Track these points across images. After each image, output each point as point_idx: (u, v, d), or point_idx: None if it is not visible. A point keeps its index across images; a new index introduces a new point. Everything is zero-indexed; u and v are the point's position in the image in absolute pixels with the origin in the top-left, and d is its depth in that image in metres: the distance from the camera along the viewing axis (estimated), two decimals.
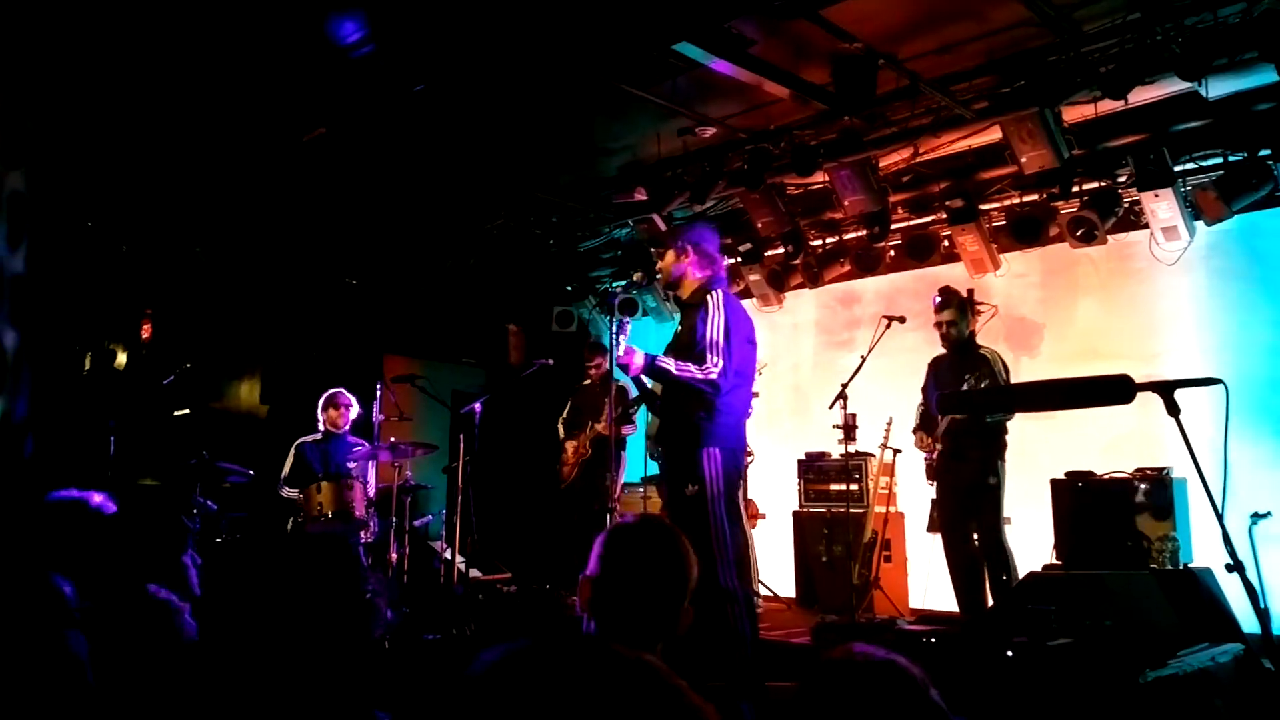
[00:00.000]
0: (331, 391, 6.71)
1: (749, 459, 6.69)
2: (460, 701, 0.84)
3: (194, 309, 7.69)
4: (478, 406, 6.40)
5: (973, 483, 5.45)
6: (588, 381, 7.24)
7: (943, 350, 5.81)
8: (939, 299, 5.75)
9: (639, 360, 4.00)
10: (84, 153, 6.24)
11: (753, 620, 4.02)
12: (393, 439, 6.58)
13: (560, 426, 7.29)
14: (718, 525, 3.93)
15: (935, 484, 5.71)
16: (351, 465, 6.44)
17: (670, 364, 4.00)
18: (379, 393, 6.93)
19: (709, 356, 3.95)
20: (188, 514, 5.56)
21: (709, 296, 4.10)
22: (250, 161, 7.02)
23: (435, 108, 6.22)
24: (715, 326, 4.00)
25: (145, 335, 7.36)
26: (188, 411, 6.84)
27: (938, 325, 5.74)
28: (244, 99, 6.14)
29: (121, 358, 7.20)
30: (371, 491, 6.44)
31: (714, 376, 3.92)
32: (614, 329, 4.13)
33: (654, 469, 7.59)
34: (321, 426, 6.66)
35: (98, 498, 2.87)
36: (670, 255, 4.28)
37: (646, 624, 1.81)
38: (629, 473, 7.52)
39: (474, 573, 7.21)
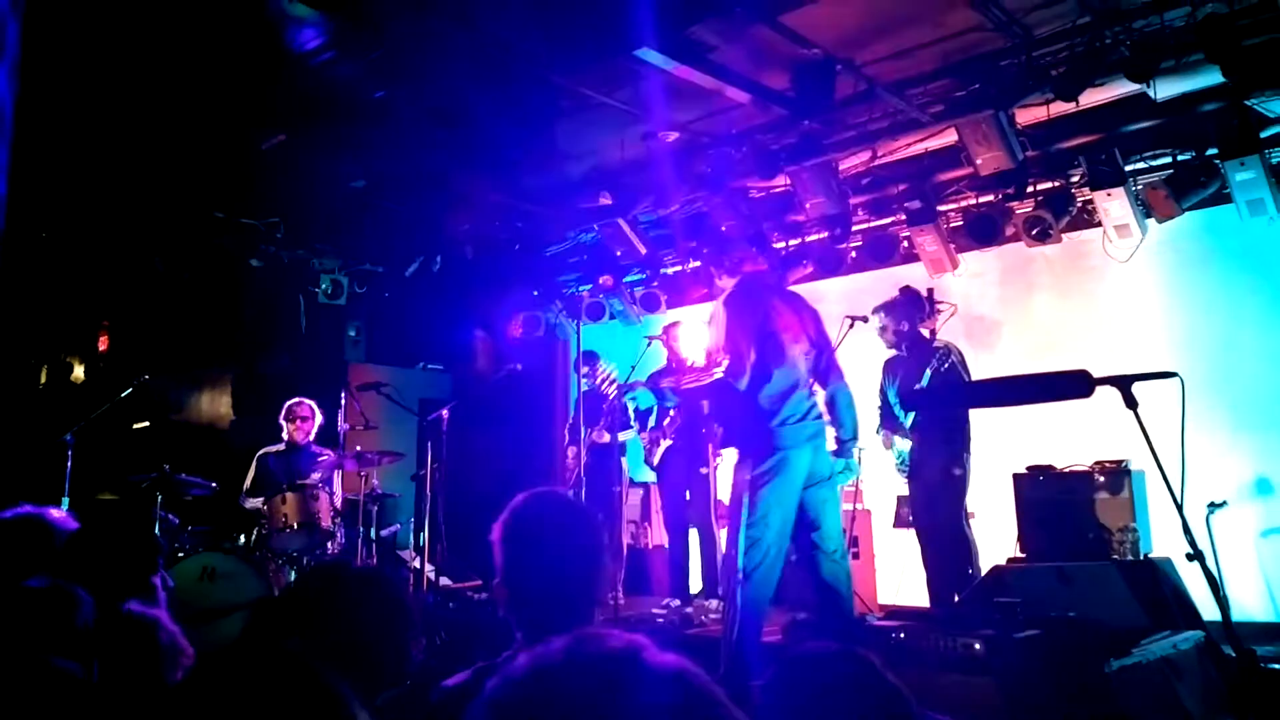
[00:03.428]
0: (290, 402, 6.61)
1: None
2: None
3: (151, 320, 7.57)
4: (445, 413, 6.36)
5: (940, 476, 5.54)
6: (586, 388, 7.25)
7: (895, 351, 5.90)
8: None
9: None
10: (38, 163, 6.11)
11: (745, 624, 3.96)
12: (358, 447, 6.53)
13: (566, 431, 7.30)
14: (732, 528, 4.02)
15: (908, 480, 5.78)
16: (316, 475, 6.37)
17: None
18: (344, 401, 6.86)
19: (712, 358, 4.13)
20: (154, 529, 5.47)
21: (716, 303, 4.26)
22: (207, 171, 6.93)
23: (398, 112, 6.19)
24: (717, 329, 4.16)
25: (102, 347, 7.23)
26: (147, 424, 6.73)
27: (880, 333, 5.83)
28: (200, 107, 6.06)
29: (78, 370, 7.07)
30: (338, 502, 6.38)
31: (718, 375, 4.07)
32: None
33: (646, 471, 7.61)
34: (285, 437, 6.58)
35: (56, 513, 2.78)
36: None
37: (569, 600, 1.74)
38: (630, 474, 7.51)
39: (444, 580, 7.17)
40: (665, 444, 6.55)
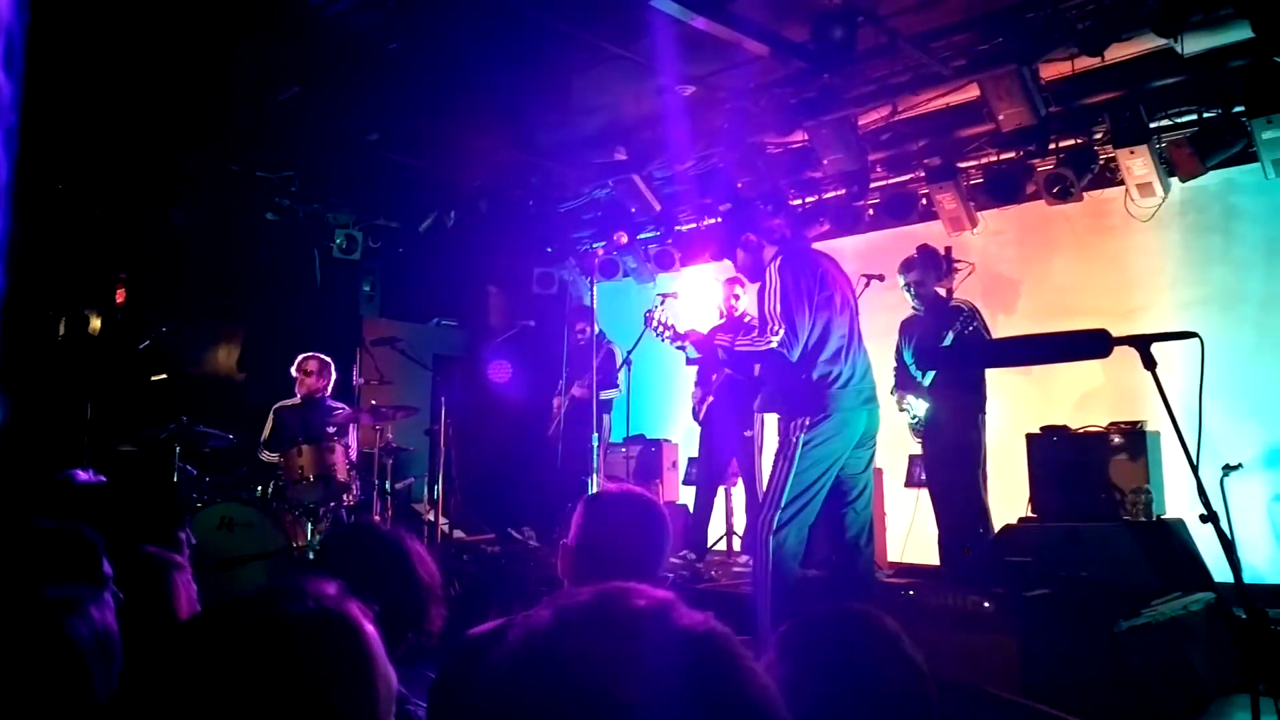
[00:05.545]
0: (300, 357, 6.66)
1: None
2: (507, 680, 0.81)
3: (168, 274, 7.59)
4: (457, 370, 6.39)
5: (956, 436, 5.53)
6: (581, 341, 7.28)
7: (912, 311, 5.86)
8: (899, 270, 5.81)
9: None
10: (54, 115, 6.10)
11: (776, 578, 3.94)
12: (373, 402, 6.57)
13: (561, 384, 7.37)
14: (772, 481, 4.01)
15: (921, 441, 5.78)
16: (331, 430, 6.42)
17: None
18: (359, 356, 6.90)
19: (768, 325, 4.06)
20: (177, 482, 5.53)
21: (768, 269, 4.16)
22: (222, 124, 6.90)
23: (411, 66, 6.13)
24: (772, 297, 4.08)
25: (119, 300, 7.26)
26: (165, 376, 6.77)
27: (905, 289, 5.79)
28: (215, 60, 6.01)
29: (96, 323, 7.10)
30: (353, 455, 6.43)
31: (774, 345, 4.02)
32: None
33: (635, 429, 7.71)
34: (298, 391, 6.63)
35: (83, 474, 2.84)
36: (740, 254, 4.34)
37: (627, 572, 1.83)
38: (613, 433, 7.59)
39: (457, 533, 7.26)
40: (710, 400, 6.57)
